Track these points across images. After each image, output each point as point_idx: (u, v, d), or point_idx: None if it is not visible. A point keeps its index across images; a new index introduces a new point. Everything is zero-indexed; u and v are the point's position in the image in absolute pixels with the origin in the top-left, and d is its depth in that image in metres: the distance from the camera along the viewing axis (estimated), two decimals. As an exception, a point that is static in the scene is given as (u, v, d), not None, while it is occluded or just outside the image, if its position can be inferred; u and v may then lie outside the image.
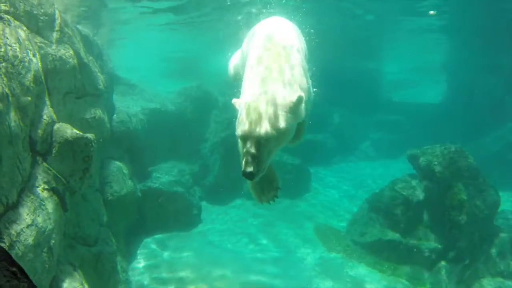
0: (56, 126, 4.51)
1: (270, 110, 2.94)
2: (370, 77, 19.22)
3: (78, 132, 4.47)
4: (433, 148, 9.55)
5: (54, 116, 4.68)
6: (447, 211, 8.76)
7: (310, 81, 3.59)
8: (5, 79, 3.85)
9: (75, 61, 5.49)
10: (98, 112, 6.25)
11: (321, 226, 10.73)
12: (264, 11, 10.92)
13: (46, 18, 5.35)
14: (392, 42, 20.11)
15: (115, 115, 9.08)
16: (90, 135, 4.56)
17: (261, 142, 2.89)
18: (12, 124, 3.73)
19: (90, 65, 6.41)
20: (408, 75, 28.64)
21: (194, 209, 10.61)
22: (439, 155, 9.31)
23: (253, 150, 2.87)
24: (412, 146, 10.20)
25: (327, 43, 8.75)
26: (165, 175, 10.59)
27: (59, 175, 4.40)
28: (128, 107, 10.28)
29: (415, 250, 8.91)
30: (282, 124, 2.93)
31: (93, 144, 4.50)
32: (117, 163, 8.70)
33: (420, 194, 9.45)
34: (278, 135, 2.93)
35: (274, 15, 4.18)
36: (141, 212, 9.36)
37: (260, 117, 2.91)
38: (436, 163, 9.21)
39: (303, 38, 3.95)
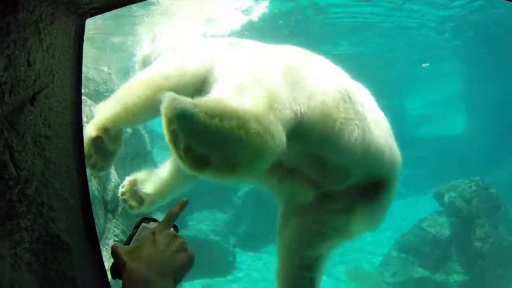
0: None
1: None
2: (393, 114, 19.45)
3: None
4: (456, 184, 9.93)
5: (117, 178, 5.54)
6: (473, 243, 9.03)
7: None
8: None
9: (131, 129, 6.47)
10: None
11: (353, 269, 10.88)
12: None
13: (109, 94, 6.40)
14: (413, 80, 20.33)
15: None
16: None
17: None
18: (94, 188, 4.59)
19: (140, 128, 7.39)
20: (431, 109, 28.75)
21: (229, 256, 11.12)
22: (461, 190, 9.69)
23: None
24: (440, 180, 10.56)
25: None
26: (200, 224, 11.23)
27: (125, 229, 5.19)
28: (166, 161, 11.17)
29: (444, 285, 9.10)
30: None
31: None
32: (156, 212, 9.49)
33: (447, 231, 9.74)
34: None
35: None
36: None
37: None
38: (459, 198, 9.58)
39: None
